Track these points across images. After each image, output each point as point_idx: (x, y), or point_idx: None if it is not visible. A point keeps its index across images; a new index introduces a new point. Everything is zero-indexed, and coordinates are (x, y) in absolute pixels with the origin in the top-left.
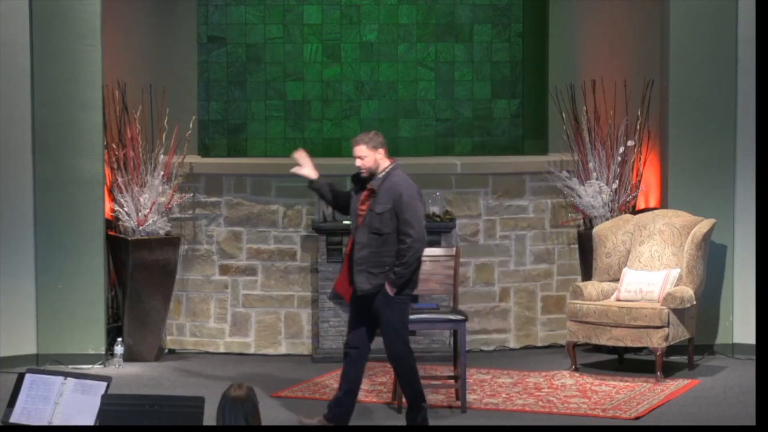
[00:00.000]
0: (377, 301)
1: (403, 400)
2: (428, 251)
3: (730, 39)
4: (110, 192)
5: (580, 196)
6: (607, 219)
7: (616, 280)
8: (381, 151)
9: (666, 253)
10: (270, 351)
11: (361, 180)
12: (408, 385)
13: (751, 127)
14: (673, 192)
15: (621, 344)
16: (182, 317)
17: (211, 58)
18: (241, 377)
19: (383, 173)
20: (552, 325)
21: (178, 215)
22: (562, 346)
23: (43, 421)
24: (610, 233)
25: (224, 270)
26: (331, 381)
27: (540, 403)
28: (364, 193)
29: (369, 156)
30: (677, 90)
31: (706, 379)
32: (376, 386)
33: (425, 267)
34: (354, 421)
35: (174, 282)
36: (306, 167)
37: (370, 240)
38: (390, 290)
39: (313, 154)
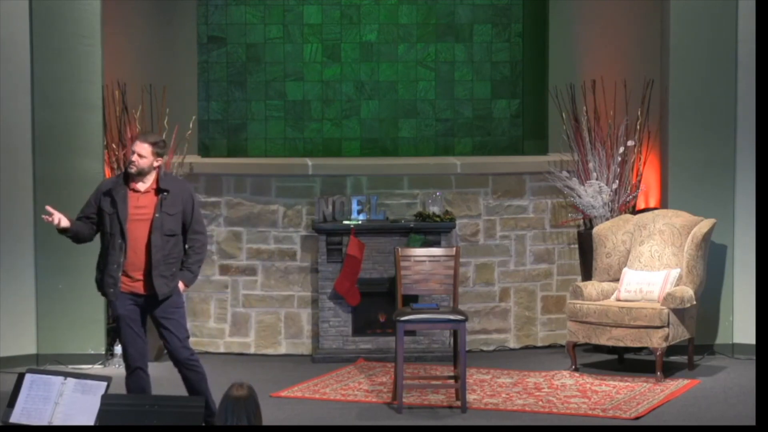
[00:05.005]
0: (168, 303)
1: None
2: (428, 251)
3: (730, 39)
4: None
5: (580, 196)
6: (607, 219)
7: (616, 280)
8: (159, 160)
9: (666, 253)
10: (270, 351)
11: (120, 181)
12: (204, 391)
13: (751, 127)
14: (673, 192)
15: (621, 344)
16: None
17: (211, 58)
18: (241, 377)
19: (160, 173)
20: (552, 325)
21: None
22: (562, 346)
23: (43, 421)
24: (610, 233)
25: (224, 270)
26: (331, 381)
27: (540, 403)
28: (144, 196)
29: (149, 158)
30: (677, 90)
31: (706, 379)
32: (376, 386)
33: (425, 267)
34: (354, 421)
35: None
36: (56, 216)
37: (163, 242)
38: (184, 288)
39: (313, 154)
